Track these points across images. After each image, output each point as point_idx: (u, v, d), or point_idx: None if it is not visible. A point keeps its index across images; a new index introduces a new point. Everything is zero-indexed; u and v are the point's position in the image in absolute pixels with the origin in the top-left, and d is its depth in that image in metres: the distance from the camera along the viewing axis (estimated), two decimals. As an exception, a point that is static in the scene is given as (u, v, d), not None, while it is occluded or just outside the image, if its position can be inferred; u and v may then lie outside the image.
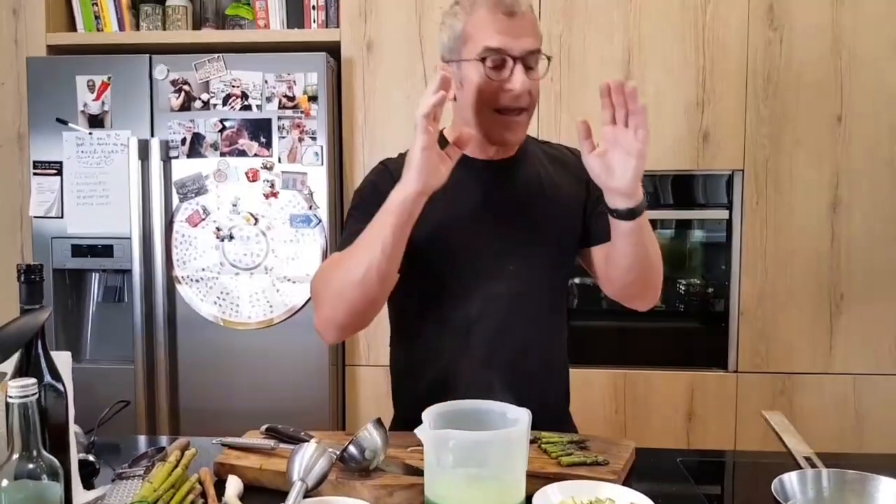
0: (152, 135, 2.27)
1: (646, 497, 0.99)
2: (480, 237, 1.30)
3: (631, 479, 1.15)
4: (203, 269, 2.29)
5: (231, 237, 2.27)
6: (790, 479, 0.98)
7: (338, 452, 1.09)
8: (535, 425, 1.23)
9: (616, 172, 1.10)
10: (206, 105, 2.26)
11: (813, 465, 1.05)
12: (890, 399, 2.36)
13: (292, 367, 2.30)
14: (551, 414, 1.36)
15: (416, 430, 0.94)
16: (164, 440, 1.39)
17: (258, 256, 2.27)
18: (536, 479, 1.06)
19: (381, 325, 2.40)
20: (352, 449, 1.09)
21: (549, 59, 1.23)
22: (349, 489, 1.06)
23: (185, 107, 2.27)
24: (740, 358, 2.37)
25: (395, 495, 1.05)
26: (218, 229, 2.27)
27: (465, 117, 1.27)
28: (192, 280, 2.29)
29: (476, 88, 1.21)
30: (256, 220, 2.26)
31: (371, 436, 1.10)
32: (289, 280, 2.27)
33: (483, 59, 1.19)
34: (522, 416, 1.00)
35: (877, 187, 2.32)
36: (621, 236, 1.19)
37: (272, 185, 2.25)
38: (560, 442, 1.21)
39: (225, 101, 2.26)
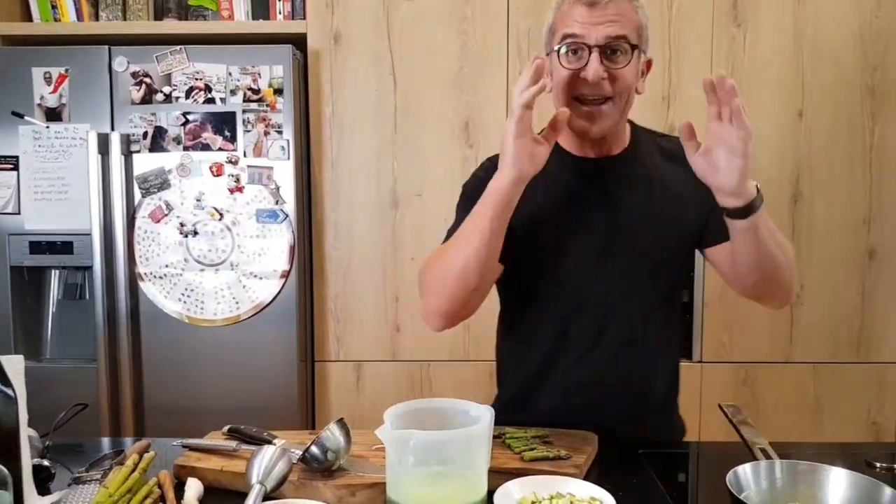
0: (112, 128, 2.23)
1: (606, 492, 1.00)
2: (576, 238, 1.29)
3: (593, 473, 1.16)
4: (167, 266, 2.25)
5: (195, 233, 2.24)
6: (744, 470, 0.99)
7: (300, 453, 1.09)
8: (635, 420, 1.30)
9: (721, 171, 1.08)
10: (168, 98, 2.22)
11: (768, 456, 1.07)
12: (847, 386, 2.42)
13: (260, 364, 2.28)
14: (654, 411, 1.38)
15: (376, 431, 0.93)
16: (128, 441, 1.37)
17: (223, 252, 2.24)
18: (499, 475, 1.07)
19: (351, 320, 2.41)
20: (314, 449, 1.08)
21: (633, 47, 1.19)
22: (312, 490, 1.06)
23: (147, 100, 2.22)
24: (704, 348, 2.40)
25: (357, 495, 1.05)
26: (182, 225, 2.24)
27: (555, 107, 1.28)
28: (155, 277, 2.26)
29: (558, 77, 1.22)
30: (221, 215, 2.23)
31: (334, 436, 1.09)
32: (255, 276, 2.25)
33: (559, 48, 1.20)
34: (484, 413, 1.00)
35: (836, 181, 2.36)
36: (738, 235, 1.16)
37: (237, 180, 2.22)
38: (524, 437, 1.22)
39: (188, 94, 2.22)
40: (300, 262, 2.29)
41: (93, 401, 2.20)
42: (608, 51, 1.18)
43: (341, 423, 1.11)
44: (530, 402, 1.37)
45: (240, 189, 2.23)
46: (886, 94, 2.34)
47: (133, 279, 2.25)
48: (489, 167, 1.33)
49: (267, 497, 0.99)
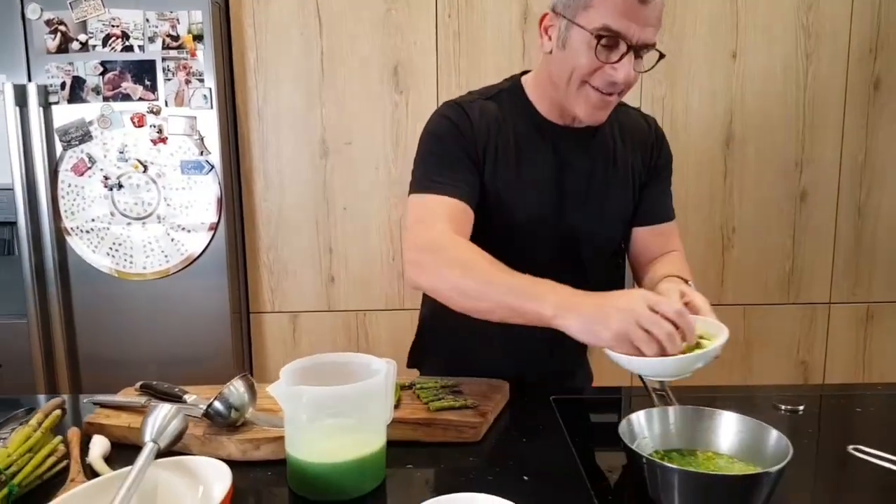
0: (29, 79, 2.13)
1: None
2: (538, 204, 1.28)
3: (503, 419, 1.18)
4: (93, 220, 2.20)
5: (120, 186, 2.18)
6: (637, 418, 0.99)
7: (202, 409, 1.09)
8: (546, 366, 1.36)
9: None
10: (84, 46, 2.12)
11: (667, 402, 1.09)
12: (777, 327, 2.48)
13: (193, 318, 2.26)
14: (567, 358, 1.46)
15: (268, 388, 0.93)
16: (65, 398, 1.35)
17: (150, 205, 2.19)
18: (405, 425, 1.08)
19: (285, 271, 2.39)
20: (217, 405, 1.08)
21: (661, 55, 1.15)
22: (216, 444, 1.06)
23: (63, 49, 2.13)
24: (639, 292, 2.44)
25: (261, 448, 1.05)
26: (106, 178, 2.18)
27: (554, 78, 1.20)
28: (82, 231, 2.20)
29: (578, 60, 1.14)
30: (146, 167, 2.17)
31: (237, 391, 1.09)
32: (184, 229, 2.20)
33: (599, 38, 1.10)
34: (383, 367, 1.00)
35: (768, 123, 2.38)
36: None
37: (160, 131, 2.16)
38: (433, 387, 1.23)
39: (105, 42, 2.12)
40: (229, 214, 2.25)
41: (25, 357, 2.19)
42: (638, 52, 1.12)
43: (245, 378, 1.11)
44: (449, 344, 1.41)
45: (163, 140, 2.16)
46: (821, 33, 2.34)
47: (60, 234, 2.20)
48: (457, 110, 1.26)
49: (165, 454, 0.98)
